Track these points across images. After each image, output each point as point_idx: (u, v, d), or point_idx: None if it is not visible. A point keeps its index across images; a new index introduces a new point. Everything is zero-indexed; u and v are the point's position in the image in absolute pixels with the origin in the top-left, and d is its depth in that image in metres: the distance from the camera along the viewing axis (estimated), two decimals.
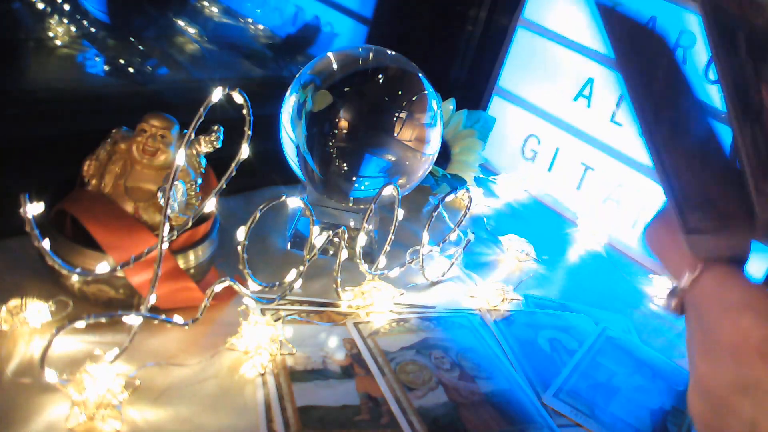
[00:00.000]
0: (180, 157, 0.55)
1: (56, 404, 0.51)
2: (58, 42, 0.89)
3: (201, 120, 0.54)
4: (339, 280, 0.70)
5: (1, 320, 0.56)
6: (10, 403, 0.50)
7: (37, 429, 0.49)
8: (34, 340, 0.56)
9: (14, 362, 0.54)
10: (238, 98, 0.56)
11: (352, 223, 0.77)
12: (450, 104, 1.01)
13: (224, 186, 0.59)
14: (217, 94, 0.54)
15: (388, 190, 0.70)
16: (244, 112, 0.58)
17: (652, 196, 0.96)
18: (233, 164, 0.59)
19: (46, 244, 0.52)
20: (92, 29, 0.91)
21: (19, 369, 0.53)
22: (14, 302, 0.57)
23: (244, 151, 0.59)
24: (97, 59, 0.93)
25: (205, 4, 1.09)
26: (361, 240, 0.70)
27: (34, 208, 0.50)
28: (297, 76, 0.76)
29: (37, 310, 0.57)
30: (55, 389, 0.52)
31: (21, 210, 0.50)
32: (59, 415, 0.50)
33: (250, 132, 0.59)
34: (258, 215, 0.59)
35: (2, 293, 0.58)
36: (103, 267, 0.55)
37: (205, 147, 0.63)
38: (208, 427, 0.53)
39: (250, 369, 0.59)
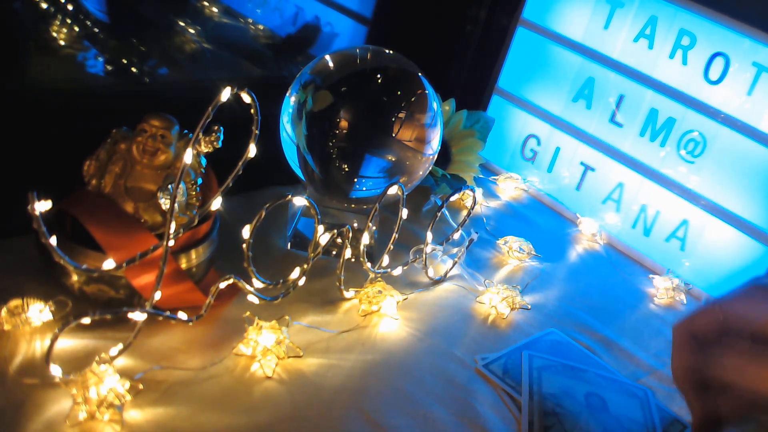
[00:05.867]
0: (188, 156, 0.55)
1: (57, 403, 0.51)
2: (59, 42, 0.89)
3: (209, 120, 0.54)
4: (342, 278, 0.70)
5: (3, 320, 0.56)
6: (12, 401, 0.50)
7: (37, 428, 0.49)
8: (36, 340, 0.56)
9: (16, 361, 0.54)
10: (246, 98, 0.57)
11: (356, 224, 0.77)
12: (450, 104, 1.01)
13: (230, 184, 0.59)
14: (225, 94, 0.54)
15: (392, 190, 0.70)
16: (252, 111, 0.58)
17: (652, 196, 0.96)
18: (240, 163, 0.59)
19: (53, 240, 0.52)
20: (93, 29, 0.91)
21: (22, 368, 0.54)
22: (15, 302, 0.57)
23: (252, 150, 0.59)
24: (97, 59, 0.93)
25: (205, 4, 1.09)
26: (365, 239, 0.70)
27: (41, 206, 0.50)
28: (297, 76, 0.76)
29: (38, 310, 0.57)
30: (55, 388, 0.52)
31: (29, 207, 0.50)
32: (60, 414, 0.50)
33: (257, 131, 0.59)
34: (264, 214, 0.59)
35: (2, 293, 0.58)
36: (109, 264, 0.55)
37: (205, 147, 0.63)
38: (213, 427, 0.53)
39: (257, 371, 0.60)
